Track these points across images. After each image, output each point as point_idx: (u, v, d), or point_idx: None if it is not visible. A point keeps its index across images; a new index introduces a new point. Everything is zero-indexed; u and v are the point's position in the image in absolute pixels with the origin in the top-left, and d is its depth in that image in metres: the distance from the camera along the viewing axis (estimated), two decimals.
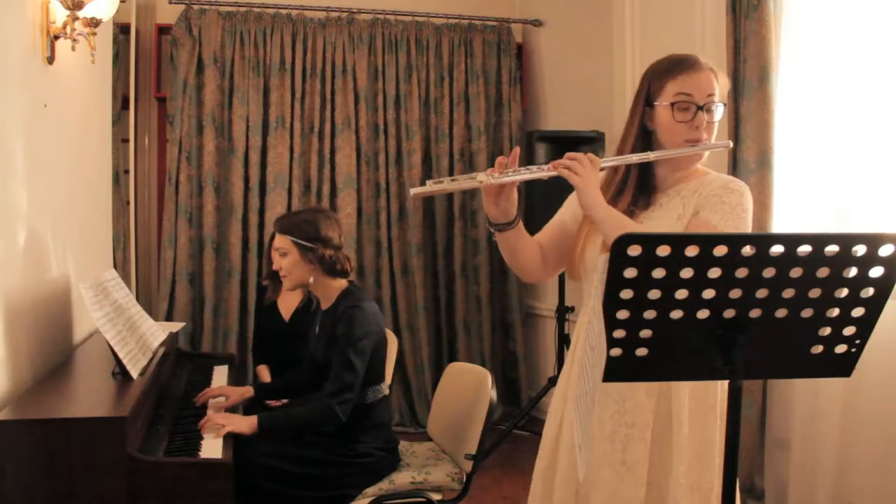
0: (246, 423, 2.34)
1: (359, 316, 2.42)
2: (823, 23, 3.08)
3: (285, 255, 2.51)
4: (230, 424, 2.30)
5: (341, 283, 2.55)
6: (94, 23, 2.62)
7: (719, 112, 1.76)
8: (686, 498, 1.67)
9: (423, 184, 1.78)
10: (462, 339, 4.88)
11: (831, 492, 2.92)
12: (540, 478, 1.88)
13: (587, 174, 1.69)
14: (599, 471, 1.73)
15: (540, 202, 4.33)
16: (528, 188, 4.63)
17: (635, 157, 1.77)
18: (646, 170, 1.81)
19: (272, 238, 3.53)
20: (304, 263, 2.49)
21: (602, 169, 1.76)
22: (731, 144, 1.75)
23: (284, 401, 3.08)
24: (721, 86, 1.77)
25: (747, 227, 1.73)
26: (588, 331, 1.91)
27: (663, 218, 1.76)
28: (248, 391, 2.68)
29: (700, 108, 1.73)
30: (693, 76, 1.74)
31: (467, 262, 4.90)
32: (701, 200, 1.74)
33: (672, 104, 1.74)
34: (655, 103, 1.78)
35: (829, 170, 3.06)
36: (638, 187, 1.80)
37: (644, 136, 1.81)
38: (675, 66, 1.77)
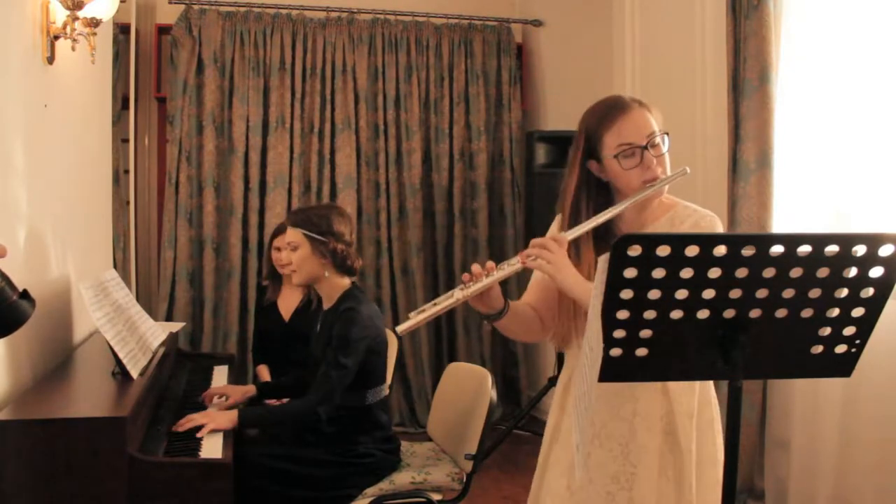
0: (226, 418, 2.33)
1: (355, 318, 2.42)
2: (823, 23, 3.08)
3: (296, 249, 2.50)
4: (211, 422, 2.29)
5: (345, 283, 2.55)
6: (94, 23, 2.62)
7: (666, 143, 1.74)
8: None
9: (407, 312, 1.76)
10: (462, 339, 4.88)
11: (831, 492, 2.92)
12: (535, 481, 1.90)
13: (557, 259, 1.66)
14: None
15: (539, 201, 4.34)
16: (527, 189, 4.63)
17: (600, 219, 1.72)
18: (610, 220, 1.75)
19: (272, 238, 3.55)
20: (316, 257, 2.49)
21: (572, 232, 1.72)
22: (688, 171, 1.72)
23: (285, 400, 3.08)
24: (656, 118, 1.75)
25: None
26: (587, 331, 1.92)
27: None
28: (250, 390, 2.69)
29: (644, 147, 1.71)
30: (625, 121, 1.72)
31: (467, 262, 4.89)
32: None
33: (616, 155, 1.71)
34: (601, 158, 1.75)
35: (829, 170, 3.06)
36: (602, 238, 1.76)
37: (598, 188, 1.78)
38: (605, 116, 1.75)
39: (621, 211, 1.73)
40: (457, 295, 1.71)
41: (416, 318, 1.72)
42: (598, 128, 1.75)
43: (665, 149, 1.74)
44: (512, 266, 1.71)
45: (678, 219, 1.77)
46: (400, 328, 1.74)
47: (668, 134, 1.75)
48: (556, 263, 1.66)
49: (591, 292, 1.56)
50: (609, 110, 1.75)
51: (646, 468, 1.72)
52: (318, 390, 2.38)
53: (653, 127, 1.73)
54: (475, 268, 1.72)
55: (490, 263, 1.73)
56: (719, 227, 1.76)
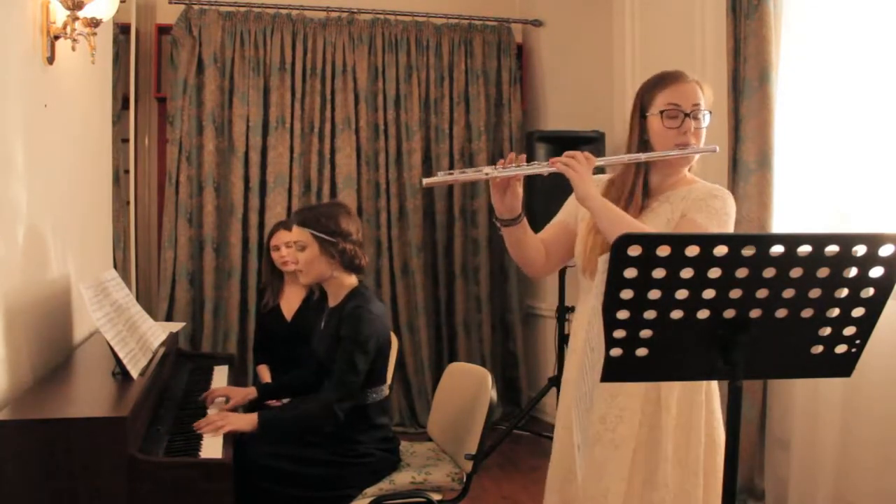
0: (245, 421, 2.34)
1: (365, 317, 2.42)
2: (823, 23, 3.08)
3: (304, 249, 2.48)
4: (229, 424, 2.30)
5: (352, 281, 2.54)
6: (94, 23, 2.62)
7: (706, 119, 1.91)
8: (673, 473, 1.84)
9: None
10: (462, 339, 4.88)
11: (831, 492, 2.92)
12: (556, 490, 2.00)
13: (581, 169, 1.84)
14: (592, 449, 1.88)
15: (540, 202, 4.34)
16: (528, 189, 4.63)
17: (626, 158, 1.92)
18: (644, 178, 1.95)
19: (268, 239, 3.54)
20: (324, 257, 2.47)
21: (598, 167, 1.91)
22: (718, 149, 1.93)
23: (286, 400, 3.08)
24: (706, 96, 1.92)
25: (729, 229, 1.87)
26: (588, 331, 1.97)
27: (653, 221, 1.90)
28: (251, 392, 2.68)
29: (687, 115, 1.88)
30: (679, 87, 1.90)
31: (467, 262, 4.89)
32: (688, 204, 1.89)
33: (661, 112, 1.89)
34: (647, 114, 1.93)
35: (829, 170, 3.06)
36: (637, 193, 1.94)
37: (644, 149, 1.94)
38: (663, 80, 1.93)
39: (651, 167, 1.93)
40: (486, 170, 1.89)
41: (443, 178, 1.91)
42: (653, 88, 1.93)
43: (704, 125, 1.91)
44: (542, 166, 1.89)
45: (694, 192, 1.90)
46: (426, 180, 1.92)
47: (710, 112, 1.92)
48: (580, 173, 1.83)
49: (605, 206, 1.80)
50: (668, 76, 1.93)
51: (630, 413, 1.86)
52: (336, 391, 2.37)
53: (700, 100, 1.90)
54: (510, 155, 1.90)
55: (522, 156, 1.92)
56: (731, 201, 1.89)
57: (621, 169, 1.98)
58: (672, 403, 1.85)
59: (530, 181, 4.51)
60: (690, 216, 1.85)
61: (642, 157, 1.90)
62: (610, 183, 1.99)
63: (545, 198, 4.43)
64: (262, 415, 2.38)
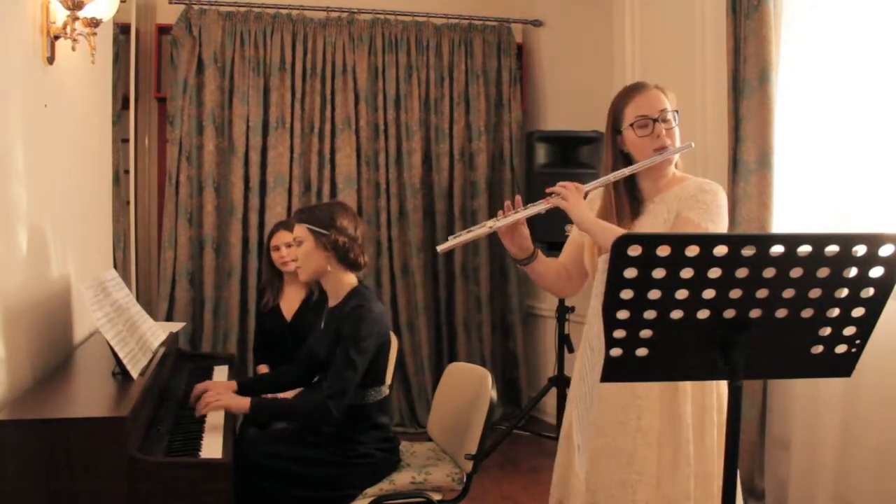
0: (237, 402, 2.40)
1: (365, 316, 2.42)
2: (823, 23, 3.08)
3: (301, 244, 2.52)
4: (219, 400, 2.36)
5: (352, 281, 2.55)
6: (94, 23, 2.62)
7: (675, 120, 2.04)
8: (692, 452, 1.93)
9: (445, 239, 2.11)
10: (462, 339, 4.88)
11: (831, 492, 2.92)
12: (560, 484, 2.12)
13: (573, 198, 1.99)
14: (616, 440, 1.96)
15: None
16: (527, 189, 4.63)
17: (612, 176, 2.03)
18: (632, 187, 2.07)
19: (269, 239, 3.54)
20: (319, 251, 2.49)
21: (587, 192, 2.04)
22: (693, 145, 2.07)
23: (279, 395, 3.09)
24: (670, 99, 2.05)
25: (722, 221, 1.95)
26: (588, 331, 2.01)
27: (651, 222, 2.01)
28: (231, 385, 2.66)
29: (655, 120, 2.00)
30: (643, 97, 2.03)
31: (467, 262, 4.89)
32: (681, 203, 1.99)
33: (632, 124, 2.02)
34: (621, 129, 2.06)
35: (829, 170, 3.06)
36: (629, 203, 2.06)
37: (624, 161, 2.07)
38: (627, 94, 2.07)
39: (636, 172, 2.03)
40: (489, 223, 2.03)
41: (453, 242, 2.06)
42: (620, 103, 2.07)
43: (675, 124, 2.03)
44: (538, 205, 2.04)
45: (686, 189, 2.01)
46: (440, 247, 2.08)
47: (677, 112, 2.05)
48: (571, 201, 1.99)
49: (599, 226, 1.96)
50: (631, 90, 2.08)
51: (651, 400, 1.96)
52: (331, 388, 2.38)
53: (665, 105, 2.02)
54: (507, 203, 2.05)
55: (518, 198, 2.06)
56: (721, 193, 1.99)
57: (604, 189, 2.10)
58: (688, 388, 1.95)
59: (528, 175, 4.56)
60: (684, 215, 1.95)
61: (626, 171, 2.01)
62: (602, 202, 2.12)
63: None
64: (254, 401, 2.41)
